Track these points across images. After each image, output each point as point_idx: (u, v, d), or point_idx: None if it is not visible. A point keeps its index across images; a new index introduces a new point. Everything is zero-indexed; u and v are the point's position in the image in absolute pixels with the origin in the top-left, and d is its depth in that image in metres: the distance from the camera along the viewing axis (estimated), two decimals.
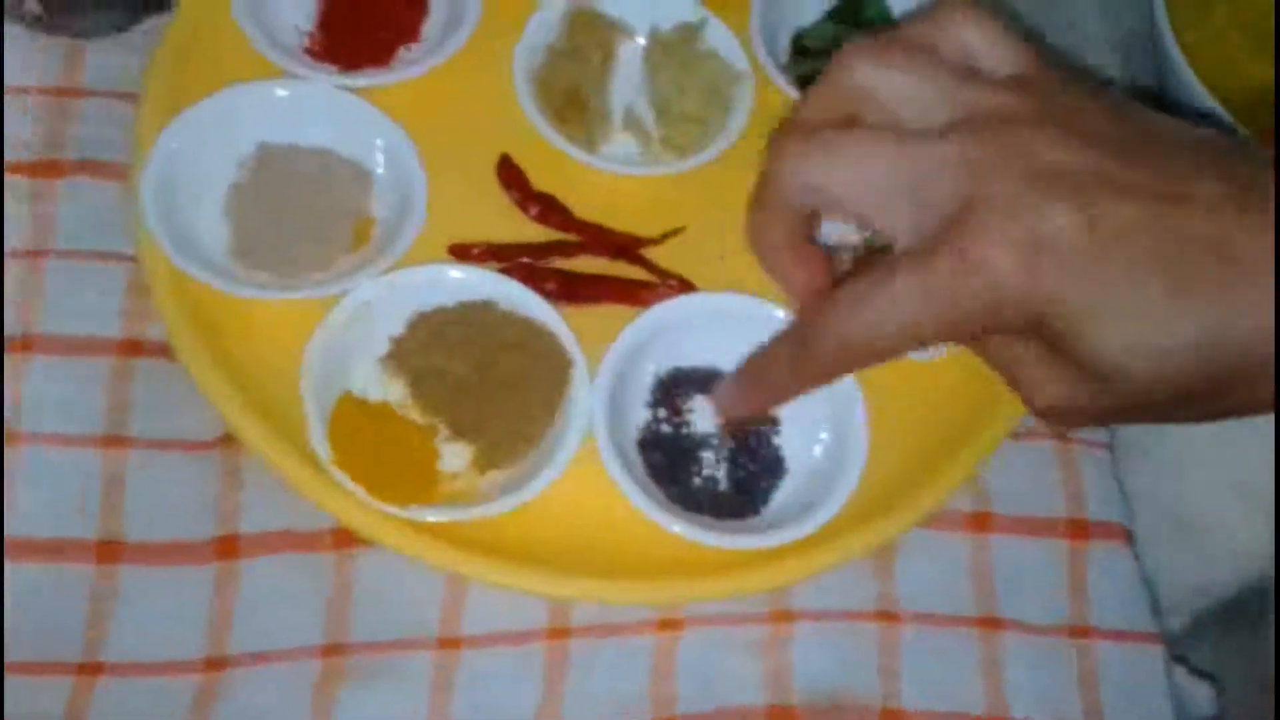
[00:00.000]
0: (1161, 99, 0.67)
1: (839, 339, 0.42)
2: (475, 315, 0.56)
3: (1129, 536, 0.59)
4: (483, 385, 0.54)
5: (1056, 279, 0.38)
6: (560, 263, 0.60)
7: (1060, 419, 0.43)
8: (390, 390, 0.55)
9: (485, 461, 0.54)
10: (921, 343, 0.41)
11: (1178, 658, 0.58)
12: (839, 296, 0.42)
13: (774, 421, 0.57)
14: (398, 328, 0.56)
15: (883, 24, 0.66)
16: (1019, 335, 0.41)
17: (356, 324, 0.55)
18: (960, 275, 0.38)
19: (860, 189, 0.41)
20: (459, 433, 0.54)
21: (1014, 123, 0.40)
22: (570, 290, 0.58)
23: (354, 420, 0.53)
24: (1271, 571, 0.59)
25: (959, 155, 0.39)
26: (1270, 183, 0.38)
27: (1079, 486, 0.59)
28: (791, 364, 0.46)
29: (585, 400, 0.54)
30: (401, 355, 0.55)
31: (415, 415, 0.54)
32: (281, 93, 0.59)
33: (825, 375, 0.45)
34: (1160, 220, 0.38)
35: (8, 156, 0.58)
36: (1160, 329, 0.38)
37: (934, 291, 0.39)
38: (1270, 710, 0.55)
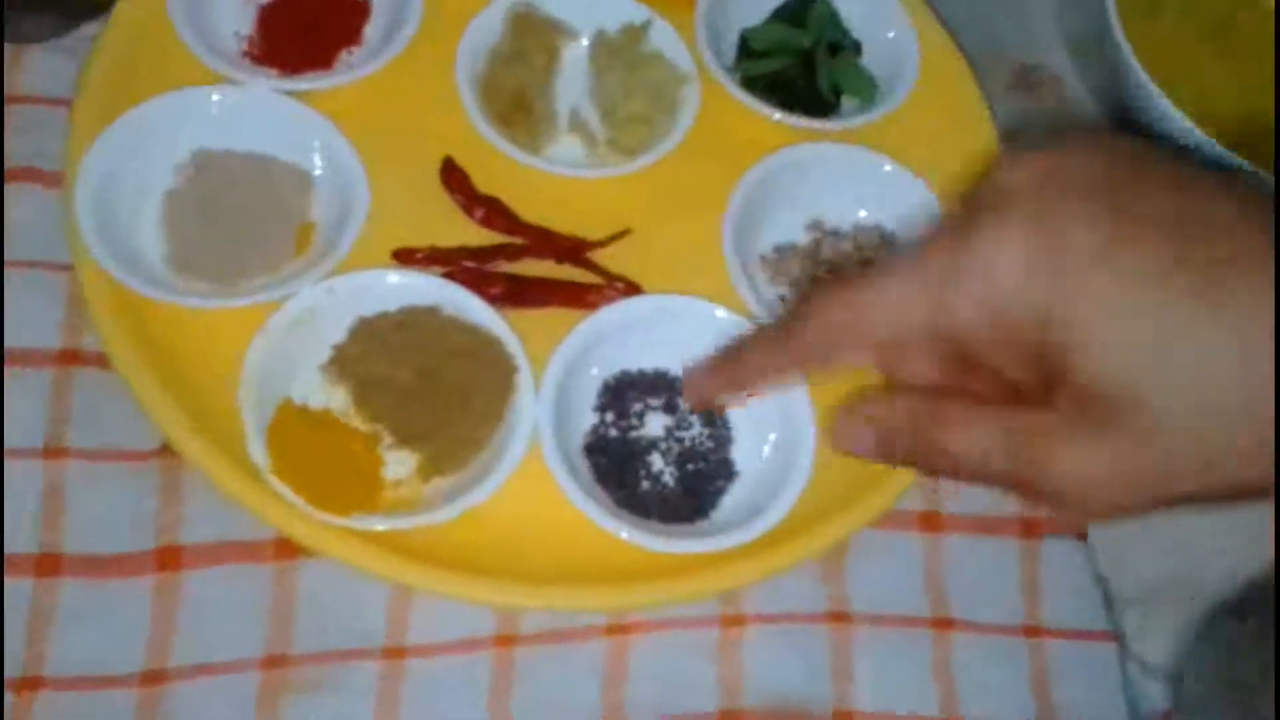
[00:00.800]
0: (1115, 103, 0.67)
1: (821, 319, 0.39)
2: (419, 321, 0.55)
3: (1082, 534, 0.59)
4: (427, 392, 0.54)
5: (1062, 281, 0.34)
6: (505, 266, 0.59)
7: (1080, 503, 0.36)
8: (332, 398, 0.54)
9: (430, 469, 0.53)
10: (902, 337, 0.38)
11: (1131, 655, 0.58)
12: (830, 280, 0.40)
13: (720, 410, 0.57)
14: (340, 334, 0.55)
15: (828, 24, 0.66)
16: (1018, 360, 0.36)
17: (297, 330, 0.54)
18: (962, 270, 0.35)
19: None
20: (403, 440, 0.53)
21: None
22: (516, 294, 0.58)
23: (294, 428, 0.52)
24: (1251, 569, 0.59)
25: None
26: None
27: None
28: (771, 342, 0.42)
29: (531, 406, 0.54)
30: (344, 362, 0.54)
31: (358, 423, 0.53)
32: (217, 97, 0.58)
33: (800, 358, 0.41)
34: (1184, 225, 0.33)
35: None
36: (1185, 331, 0.32)
37: (931, 284, 0.36)
38: (1236, 705, 0.55)
